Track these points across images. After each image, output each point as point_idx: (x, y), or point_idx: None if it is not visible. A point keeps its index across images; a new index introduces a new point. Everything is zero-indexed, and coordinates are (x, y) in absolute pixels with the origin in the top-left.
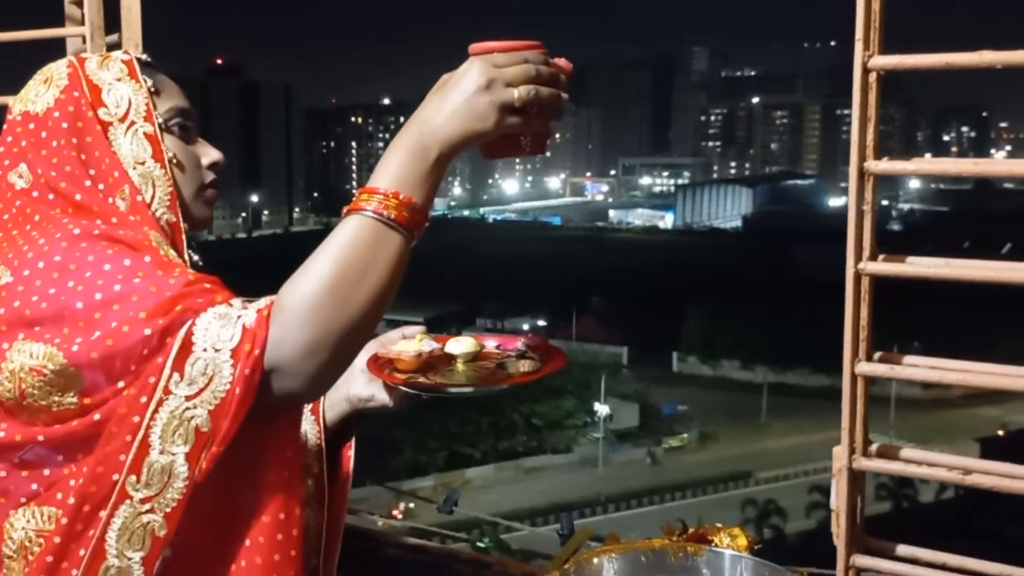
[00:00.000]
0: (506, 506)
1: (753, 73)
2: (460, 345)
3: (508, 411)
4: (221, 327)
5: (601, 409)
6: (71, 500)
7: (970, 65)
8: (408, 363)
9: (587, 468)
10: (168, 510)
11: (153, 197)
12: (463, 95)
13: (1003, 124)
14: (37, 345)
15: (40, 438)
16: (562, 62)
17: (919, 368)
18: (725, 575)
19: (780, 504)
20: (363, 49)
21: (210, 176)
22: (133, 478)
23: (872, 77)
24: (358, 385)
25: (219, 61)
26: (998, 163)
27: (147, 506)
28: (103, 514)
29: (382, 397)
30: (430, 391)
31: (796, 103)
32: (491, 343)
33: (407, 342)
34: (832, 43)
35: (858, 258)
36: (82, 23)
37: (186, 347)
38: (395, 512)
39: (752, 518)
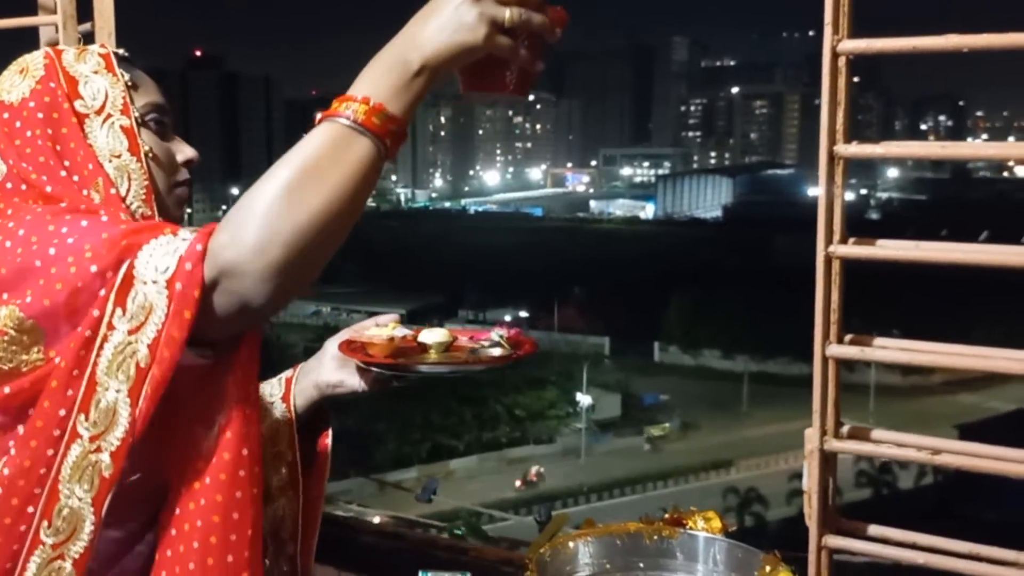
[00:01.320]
0: (490, 497)
1: (732, 63)
2: (433, 335)
3: (491, 402)
4: (162, 256)
5: (583, 399)
6: (21, 431)
7: (937, 49)
8: (380, 348)
9: (570, 458)
10: (113, 449)
11: (128, 190)
12: (451, 6)
13: (979, 113)
14: (1, 308)
15: (7, 390)
16: (559, 9)
17: (889, 350)
18: (699, 557)
19: (761, 492)
20: (342, 40)
21: (184, 174)
22: (83, 416)
23: (841, 61)
24: (327, 371)
25: (198, 53)
26: (965, 146)
27: (95, 444)
28: (51, 452)
29: (352, 382)
30: (400, 371)
31: (775, 93)
32: (464, 336)
33: (379, 329)
34: (810, 32)
35: (828, 241)
36: (54, 12)
37: (128, 280)
38: None
39: (733, 506)
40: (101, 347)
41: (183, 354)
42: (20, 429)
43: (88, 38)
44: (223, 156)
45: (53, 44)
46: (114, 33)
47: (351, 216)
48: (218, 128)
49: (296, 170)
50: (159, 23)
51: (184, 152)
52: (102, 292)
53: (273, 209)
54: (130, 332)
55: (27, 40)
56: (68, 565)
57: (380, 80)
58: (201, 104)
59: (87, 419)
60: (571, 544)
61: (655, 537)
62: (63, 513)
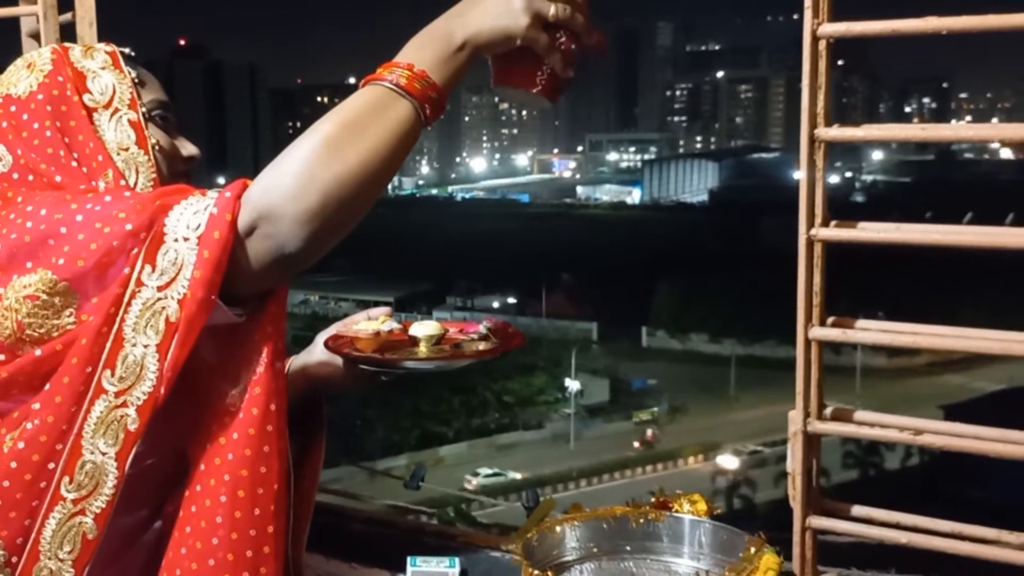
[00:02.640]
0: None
1: (717, 48)
2: (423, 328)
3: (480, 389)
4: (193, 215)
5: (572, 385)
6: (47, 387)
7: (916, 31)
8: (368, 342)
9: (559, 443)
10: (139, 404)
11: (136, 183)
12: None
13: (963, 95)
14: (28, 276)
15: (37, 352)
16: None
17: (871, 332)
18: (685, 539)
19: (750, 475)
20: (328, 30)
21: (184, 170)
22: (108, 372)
23: (822, 44)
24: (316, 364)
25: (182, 42)
26: (944, 128)
27: (120, 400)
28: (74, 409)
29: (340, 377)
30: (386, 366)
31: (760, 77)
32: (454, 328)
33: (370, 323)
34: (795, 16)
35: (810, 224)
36: (35, 2)
37: (158, 238)
38: None
39: (723, 489)
40: (129, 303)
41: (216, 308)
42: (48, 387)
43: (69, 28)
44: (209, 145)
45: (34, 34)
46: (95, 22)
47: (387, 174)
48: (204, 117)
49: (337, 125)
50: (141, 13)
51: (187, 148)
52: (134, 251)
53: (312, 158)
54: (159, 288)
55: (7, 31)
56: (89, 520)
57: (424, 50)
58: (186, 93)
59: (113, 375)
60: (558, 528)
61: (641, 520)
62: (85, 468)
